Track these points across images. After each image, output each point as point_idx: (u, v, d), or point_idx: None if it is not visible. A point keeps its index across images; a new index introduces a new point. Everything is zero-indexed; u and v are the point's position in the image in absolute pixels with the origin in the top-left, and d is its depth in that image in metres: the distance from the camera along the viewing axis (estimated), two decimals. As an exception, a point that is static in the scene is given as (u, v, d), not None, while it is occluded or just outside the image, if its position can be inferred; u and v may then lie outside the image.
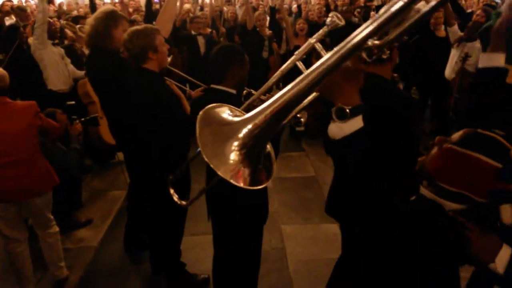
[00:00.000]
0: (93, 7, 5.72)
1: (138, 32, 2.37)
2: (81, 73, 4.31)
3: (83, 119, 3.54)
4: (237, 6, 7.74)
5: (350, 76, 0.97)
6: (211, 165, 0.82)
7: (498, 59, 1.43)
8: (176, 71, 3.86)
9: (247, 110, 0.94)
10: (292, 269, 3.04)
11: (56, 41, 4.38)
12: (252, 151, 0.86)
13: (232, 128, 0.89)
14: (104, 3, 8.52)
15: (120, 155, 4.70)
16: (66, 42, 4.75)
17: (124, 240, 3.30)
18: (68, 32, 4.88)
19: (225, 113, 0.96)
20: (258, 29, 5.62)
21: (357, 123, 0.96)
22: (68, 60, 4.37)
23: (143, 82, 2.37)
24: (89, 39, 2.82)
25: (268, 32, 5.79)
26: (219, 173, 0.82)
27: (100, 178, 4.64)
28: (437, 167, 1.12)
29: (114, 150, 4.54)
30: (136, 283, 2.97)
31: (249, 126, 0.87)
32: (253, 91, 2.73)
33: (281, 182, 4.35)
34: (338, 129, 0.98)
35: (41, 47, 4.17)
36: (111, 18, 2.76)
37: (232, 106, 1.00)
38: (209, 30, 5.85)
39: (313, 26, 5.53)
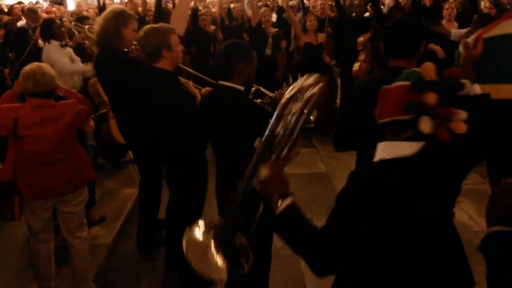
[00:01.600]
0: (102, 8, 5.76)
1: (154, 29, 2.39)
2: (86, 67, 4.28)
3: (93, 116, 3.57)
4: (245, 4, 7.72)
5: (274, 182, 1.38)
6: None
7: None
8: (186, 68, 3.88)
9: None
10: (303, 264, 3.04)
11: (64, 42, 4.40)
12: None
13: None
14: (113, 3, 8.57)
15: (132, 153, 4.76)
16: (72, 41, 4.78)
17: (137, 237, 3.34)
18: (75, 32, 4.91)
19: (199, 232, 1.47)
20: (263, 25, 5.60)
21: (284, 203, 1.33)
22: (77, 59, 4.39)
23: (155, 80, 2.39)
24: (99, 38, 2.84)
25: (273, 30, 5.77)
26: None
27: (112, 176, 4.69)
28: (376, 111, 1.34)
29: (126, 148, 4.59)
30: (150, 281, 3.00)
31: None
32: (262, 88, 2.73)
33: (292, 178, 4.34)
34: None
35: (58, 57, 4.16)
36: (120, 17, 2.78)
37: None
38: (213, 27, 5.85)
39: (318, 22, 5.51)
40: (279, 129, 1.41)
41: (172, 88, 2.41)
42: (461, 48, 2.21)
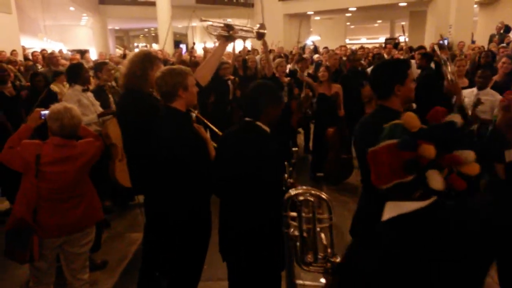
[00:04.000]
0: (124, 57, 6.03)
1: (171, 70, 2.45)
2: (92, 117, 4.35)
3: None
4: (257, 56, 8.07)
5: None
6: None
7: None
8: (198, 114, 3.93)
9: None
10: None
11: (87, 86, 4.54)
12: None
13: None
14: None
15: (140, 197, 4.72)
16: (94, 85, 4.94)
17: (138, 284, 3.21)
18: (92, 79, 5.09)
19: None
20: (277, 75, 5.76)
21: None
22: (97, 104, 4.50)
23: (168, 120, 2.41)
24: (125, 80, 2.90)
25: (286, 79, 5.93)
26: None
27: (119, 219, 4.63)
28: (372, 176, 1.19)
29: (134, 191, 4.56)
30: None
31: None
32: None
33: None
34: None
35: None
36: (148, 60, 2.86)
37: None
38: (231, 77, 6.06)
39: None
40: None
41: (185, 129, 2.42)
42: (496, 111, 2.25)
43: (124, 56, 6.04)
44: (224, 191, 2.27)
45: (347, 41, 23.34)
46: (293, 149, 2.79)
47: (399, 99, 2.11)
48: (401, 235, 1.11)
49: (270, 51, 9.30)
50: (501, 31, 11.75)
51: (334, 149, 5.45)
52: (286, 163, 2.28)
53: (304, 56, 8.83)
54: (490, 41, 11.77)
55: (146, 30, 29.25)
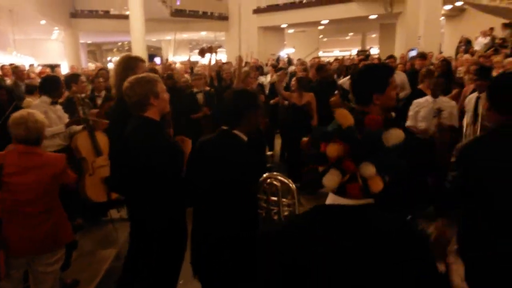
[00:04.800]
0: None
1: (140, 79, 2.39)
2: (58, 128, 4.19)
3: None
4: (233, 68, 8.10)
5: None
6: None
7: None
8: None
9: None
10: None
11: (56, 99, 4.38)
12: None
13: None
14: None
15: (113, 213, 4.59)
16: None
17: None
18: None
19: None
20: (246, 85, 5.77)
21: None
22: (65, 116, 4.35)
23: (142, 130, 2.36)
24: (115, 90, 2.86)
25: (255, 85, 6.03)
26: None
27: (90, 236, 4.47)
28: None
29: (107, 207, 4.42)
30: None
31: None
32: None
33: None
34: None
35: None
36: (128, 67, 2.82)
37: None
38: (207, 88, 6.06)
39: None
40: None
41: (158, 138, 2.36)
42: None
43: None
44: (201, 199, 2.23)
45: (321, 53, 23.77)
46: (269, 153, 2.79)
47: (378, 108, 1.99)
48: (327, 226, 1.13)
49: (246, 63, 9.36)
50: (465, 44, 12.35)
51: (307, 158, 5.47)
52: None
53: (280, 67, 8.94)
54: (457, 52, 12.24)
55: (119, 44, 28.98)
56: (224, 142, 2.14)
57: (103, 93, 5.42)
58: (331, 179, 1.08)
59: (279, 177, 2.21)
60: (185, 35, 25.47)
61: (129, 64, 2.86)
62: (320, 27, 20.71)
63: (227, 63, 9.71)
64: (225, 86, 6.35)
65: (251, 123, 2.13)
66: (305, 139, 5.60)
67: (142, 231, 2.49)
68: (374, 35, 23.27)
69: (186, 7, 18.58)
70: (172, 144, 2.47)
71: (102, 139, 4.05)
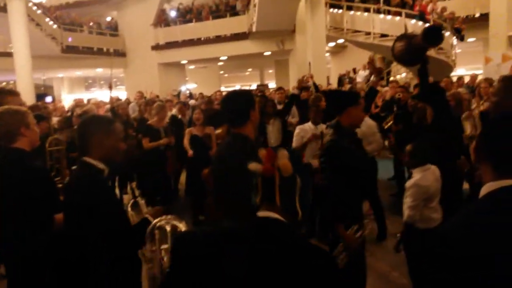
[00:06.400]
0: None
1: (8, 109, 2.30)
2: None
3: None
4: (131, 105, 7.97)
5: None
6: None
7: None
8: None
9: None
10: None
11: None
12: None
13: None
14: None
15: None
16: None
17: None
18: None
19: None
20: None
21: None
22: None
23: (13, 162, 2.21)
24: None
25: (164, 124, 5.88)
26: None
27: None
28: None
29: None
30: None
31: None
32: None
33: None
34: None
35: None
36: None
37: None
38: None
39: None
40: None
41: (30, 170, 2.23)
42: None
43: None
44: None
45: (223, 88, 24.48)
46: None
47: (252, 126, 2.26)
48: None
49: (145, 98, 9.23)
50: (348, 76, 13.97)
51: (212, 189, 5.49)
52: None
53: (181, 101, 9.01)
54: (341, 83, 13.64)
55: (4, 83, 26.49)
56: (78, 171, 2.04)
57: None
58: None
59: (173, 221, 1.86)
60: (79, 72, 24.35)
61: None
62: (220, 63, 21.42)
63: (126, 99, 9.49)
64: (120, 123, 6.18)
65: (104, 148, 1.97)
66: (206, 170, 5.62)
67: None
68: (270, 71, 24.71)
69: (79, 43, 17.85)
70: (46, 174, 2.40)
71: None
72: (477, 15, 13.86)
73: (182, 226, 1.79)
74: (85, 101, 11.70)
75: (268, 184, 1.24)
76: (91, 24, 19.31)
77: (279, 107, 6.23)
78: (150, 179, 5.49)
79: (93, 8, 19.81)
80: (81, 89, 26.07)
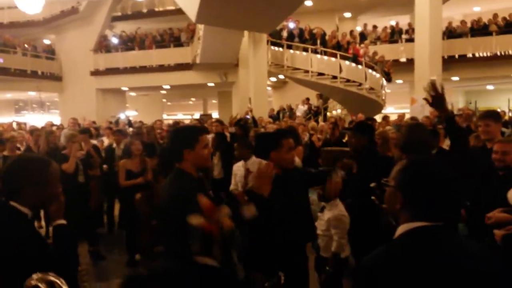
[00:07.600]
0: None
1: None
2: None
3: None
4: (64, 131, 7.61)
5: None
6: None
7: None
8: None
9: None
10: None
11: None
12: None
13: None
14: None
15: None
16: None
17: None
18: None
19: None
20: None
21: None
22: None
23: None
24: None
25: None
26: None
27: None
28: None
29: None
30: None
31: None
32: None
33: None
34: None
35: None
36: None
37: None
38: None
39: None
40: None
41: None
42: None
43: None
44: None
45: (165, 116, 24.16)
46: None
47: (190, 164, 2.20)
48: None
49: (79, 125, 8.87)
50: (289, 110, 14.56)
51: (145, 216, 5.23)
52: None
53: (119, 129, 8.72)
54: (282, 117, 14.09)
55: None
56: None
57: None
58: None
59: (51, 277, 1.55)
60: (9, 95, 22.90)
61: None
62: (163, 92, 21.24)
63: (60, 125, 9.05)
64: (53, 148, 5.87)
65: (34, 197, 1.80)
66: (138, 194, 5.40)
67: None
68: (214, 101, 24.92)
69: (11, 65, 16.89)
70: None
71: None
72: (403, 59, 15.22)
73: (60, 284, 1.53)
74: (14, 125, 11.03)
75: (207, 237, 1.30)
76: (25, 46, 18.40)
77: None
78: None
79: (29, 30, 18.96)
80: (11, 113, 24.47)
